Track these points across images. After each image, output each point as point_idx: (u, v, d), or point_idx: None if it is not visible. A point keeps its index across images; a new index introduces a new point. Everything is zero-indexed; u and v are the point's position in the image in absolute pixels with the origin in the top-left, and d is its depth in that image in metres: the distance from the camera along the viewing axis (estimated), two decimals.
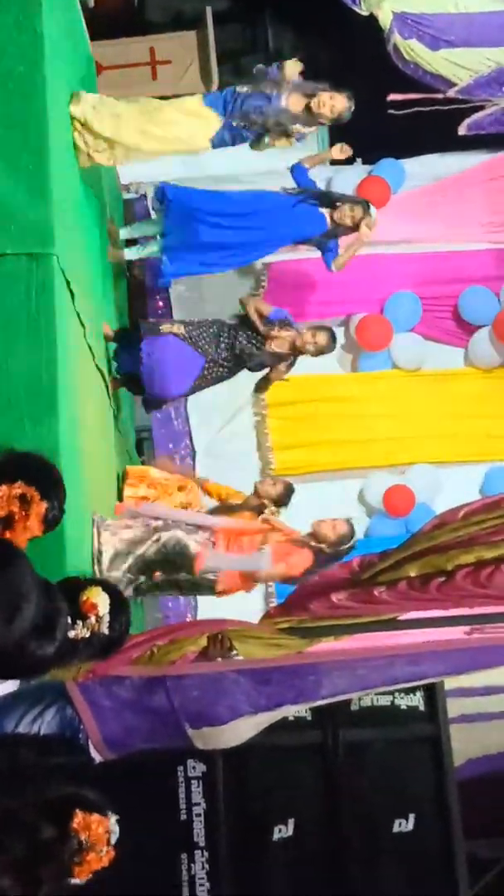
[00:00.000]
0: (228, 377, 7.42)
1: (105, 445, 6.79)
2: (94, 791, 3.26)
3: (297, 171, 7.45)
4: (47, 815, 3.11)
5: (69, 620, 3.14)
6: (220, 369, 7.27)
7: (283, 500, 7.12)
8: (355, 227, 7.38)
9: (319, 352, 7.36)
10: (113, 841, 3.20)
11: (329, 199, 7.46)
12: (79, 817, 3.11)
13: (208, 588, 6.42)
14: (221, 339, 7.22)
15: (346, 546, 6.51)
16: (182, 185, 7.61)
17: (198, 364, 7.18)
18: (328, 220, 7.34)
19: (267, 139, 6.69)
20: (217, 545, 6.28)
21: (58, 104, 5.80)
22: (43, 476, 3.15)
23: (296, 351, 7.30)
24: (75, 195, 6.21)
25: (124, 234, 7.85)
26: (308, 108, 6.64)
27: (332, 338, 7.42)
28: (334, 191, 8.38)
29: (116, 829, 3.23)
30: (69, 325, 5.55)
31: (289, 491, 7.16)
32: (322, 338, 7.30)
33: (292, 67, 6.80)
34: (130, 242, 7.86)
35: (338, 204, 7.36)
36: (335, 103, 6.65)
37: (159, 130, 6.47)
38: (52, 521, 3.18)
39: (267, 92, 6.60)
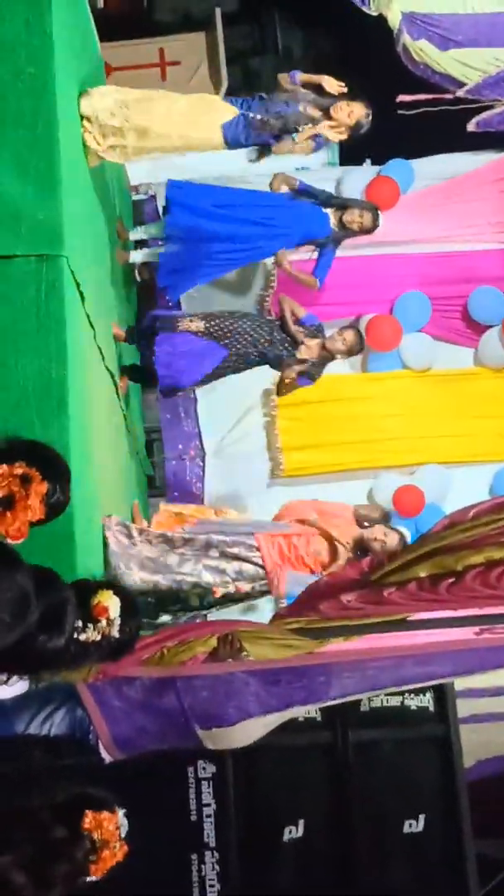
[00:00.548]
0: (246, 369, 7.44)
1: (115, 447, 6.80)
2: (100, 787, 3.27)
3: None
4: (58, 818, 3.12)
5: (81, 623, 3.15)
6: (241, 363, 7.28)
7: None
8: (362, 232, 7.43)
9: (349, 351, 7.44)
10: (123, 834, 3.21)
11: (337, 202, 7.48)
12: (89, 817, 3.12)
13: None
14: (254, 336, 7.22)
15: None
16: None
17: (219, 356, 7.18)
18: (333, 221, 7.37)
19: (295, 136, 6.67)
20: (264, 556, 6.25)
21: (67, 105, 5.81)
22: (47, 461, 3.14)
23: (327, 354, 7.31)
24: (85, 196, 6.21)
25: (134, 235, 7.87)
26: (327, 114, 6.65)
27: (360, 336, 7.47)
28: (343, 195, 8.42)
29: (125, 821, 3.24)
30: (79, 326, 5.56)
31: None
32: (350, 335, 7.37)
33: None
34: (140, 244, 7.88)
35: (346, 207, 7.39)
36: (353, 110, 6.66)
37: (170, 124, 6.45)
38: (57, 506, 3.16)
39: (286, 101, 6.62)
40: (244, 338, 7.20)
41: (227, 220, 7.33)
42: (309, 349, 7.26)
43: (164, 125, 6.40)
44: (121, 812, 3.23)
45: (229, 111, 6.49)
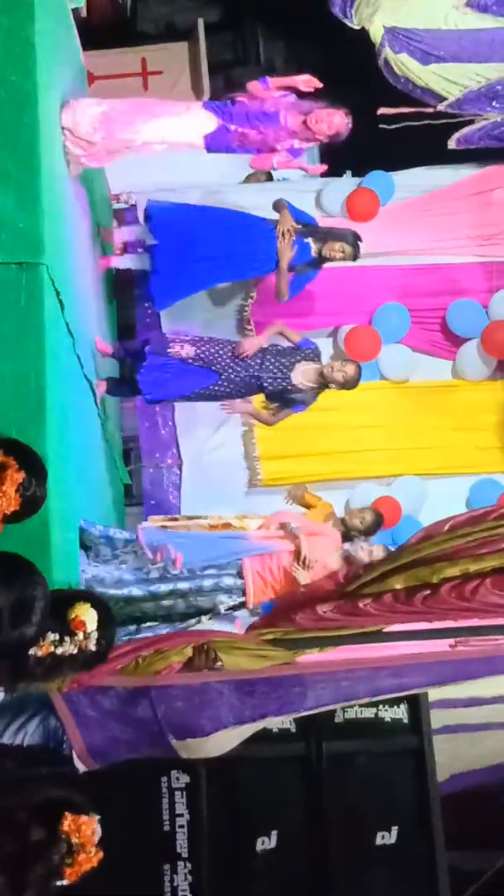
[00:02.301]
0: (241, 396, 7.40)
1: (93, 455, 6.79)
2: (79, 792, 3.27)
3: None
4: (37, 818, 3.12)
5: (58, 637, 3.15)
6: (234, 389, 7.23)
7: (371, 531, 6.86)
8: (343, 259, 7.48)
9: (345, 384, 7.23)
10: (97, 840, 3.21)
11: (318, 233, 7.49)
12: (69, 820, 3.12)
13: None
14: (245, 362, 7.19)
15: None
16: (168, 197, 7.66)
17: (208, 380, 7.14)
18: (314, 251, 7.39)
19: (275, 163, 6.69)
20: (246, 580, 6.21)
21: (49, 113, 5.81)
22: (23, 453, 3.16)
23: (323, 380, 7.22)
24: (66, 204, 6.21)
25: (119, 236, 7.86)
26: (305, 124, 6.65)
27: (359, 373, 7.28)
28: (323, 207, 8.45)
29: (99, 828, 3.23)
30: (58, 334, 5.56)
31: (378, 521, 6.88)
32: (351, 369, 7.19)
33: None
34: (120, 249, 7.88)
35: (328, 239, 7.40)
36: (333, 119, 6.65)
37: (151, 132, 6.45)
38: (33, 501, 3.17)
39: (265, 109, 6.61)
40: (235, 364, 7.17)
41: (209, 233, 7.35)
42: (307, 373, 7.21)
43: (146, 137, 6.41)
44: (95, 818, 3.23)
45: (211, 122, 6.48)
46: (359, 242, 7.51)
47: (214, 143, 6.57)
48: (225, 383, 7.16)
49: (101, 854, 3.18)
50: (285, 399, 7.25)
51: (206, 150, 6.64)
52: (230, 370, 7.14)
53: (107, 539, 6.15)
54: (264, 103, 6.63)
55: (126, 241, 7.85)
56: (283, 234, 7.21)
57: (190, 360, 7.11)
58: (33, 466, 3.19)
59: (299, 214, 7.54)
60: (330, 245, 7.36)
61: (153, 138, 6.47)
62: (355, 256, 7.50)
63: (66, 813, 3.12)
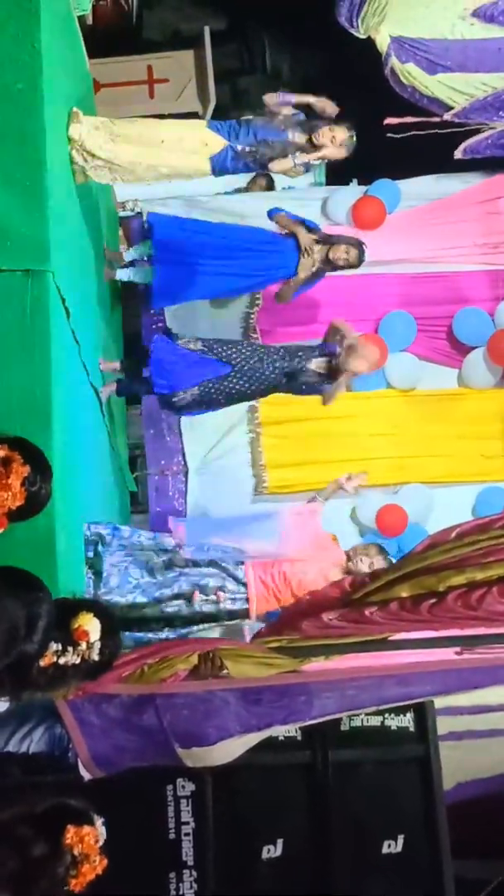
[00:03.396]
0: (257, 392, 7.40)
1: (99, 463, 6.80)
2: (79, 797, 3.25)
3: (274, 213, 7.51)
4: (38, 831, 3.10)
5: (60, 647, 3.14)
6: (244, 380, 7.22)
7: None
8: (348, 267, 7.49)
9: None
10: (101, 843, 3.19)
11: (323, 239, 7.50)
12: (71, 832, 3.10)
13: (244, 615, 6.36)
14: (258, 355, 7.19)
15: None
16: (173, 207, 7.66)
17: (220, 371, 7.13)
18: (320, 257, 7.40)
19: (297, 156, 6.70)
20: (249, 585, 6.20)
21: (55, 121, 5.82)
22: (29, 450, 3.16)
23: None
24: (72, 212, 6.22)
25: (125, 257, 7.87)
26: (311, 141, 6.68)
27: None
28: (329, 216, 8.46)
29: (104, 830, 3.21)
30: (64, 341, 5.56)
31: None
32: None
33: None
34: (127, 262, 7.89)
35: (333, 243, 7.42)
36: (336, 135, 6.69)
37: (157, 156, 6.46)
38: (37, 497, 3.17)
39: (273, 126, 6.63)
40: (248, 358, 7.16)
41: (210, 259, 7.36)
42: (317, 364, 7.20)
43: (153, 160, 6.42)
44: (99, 821, 3.21)
45: (217, 143, 6.50)
46: (363, 247, 7.54)
47: (221, 165, 6.59)
48: (237, 375, 7.14)
49: (105, 861, 3.17)
50: (305, 385, 7.26)
51: (212, 174, 6.65)
52: (243, 362, 7.13)
53: (113, 535, 6.16)
54: (272, 120, 6.66)
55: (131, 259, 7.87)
56: (306, 251, 7.27)
57: (201, 351, 7.11)
58: (38, 463, 3.19)
59: (299, 220, 7.56)
60: (335, 248, 7.39)
61: (159, 162, 6.48)
62: (360, 261, 7.51)
63: (69, 826, 3.11)
